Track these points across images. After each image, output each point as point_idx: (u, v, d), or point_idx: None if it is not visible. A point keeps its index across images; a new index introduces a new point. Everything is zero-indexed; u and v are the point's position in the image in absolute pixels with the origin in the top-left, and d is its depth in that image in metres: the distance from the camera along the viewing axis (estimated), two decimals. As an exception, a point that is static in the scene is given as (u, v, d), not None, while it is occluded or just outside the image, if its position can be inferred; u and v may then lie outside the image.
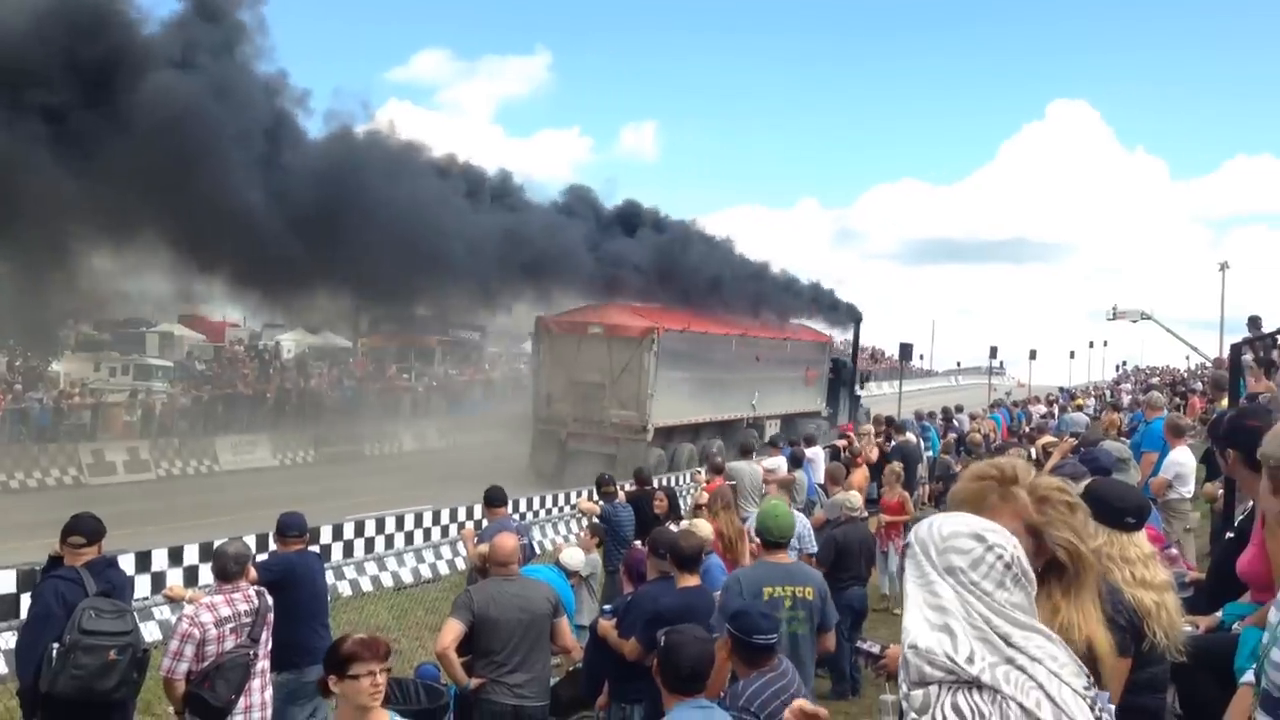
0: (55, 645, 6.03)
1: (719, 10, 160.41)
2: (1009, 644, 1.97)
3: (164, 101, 25.64)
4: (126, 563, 10.84)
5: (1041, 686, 1.93)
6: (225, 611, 6.32)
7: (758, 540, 6.84)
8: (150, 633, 10.38)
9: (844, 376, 38.51)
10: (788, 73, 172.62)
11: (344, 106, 44.88)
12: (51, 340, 38.24)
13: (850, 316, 42.55)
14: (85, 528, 6.57)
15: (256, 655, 6.41)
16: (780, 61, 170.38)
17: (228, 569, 6.53)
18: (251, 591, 6.54)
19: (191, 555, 13.02)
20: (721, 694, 5.10)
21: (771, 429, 30.05)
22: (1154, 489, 9.49)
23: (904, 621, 2.07)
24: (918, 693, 1.96)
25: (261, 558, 9.78)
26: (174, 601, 8.20)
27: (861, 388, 41.69)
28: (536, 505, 19.94)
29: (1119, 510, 4.02)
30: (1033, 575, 2.09)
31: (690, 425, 29.47)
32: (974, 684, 1.93)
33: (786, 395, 34.66)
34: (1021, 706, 1.91)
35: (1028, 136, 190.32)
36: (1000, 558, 2.04)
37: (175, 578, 12.56)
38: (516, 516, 15.21)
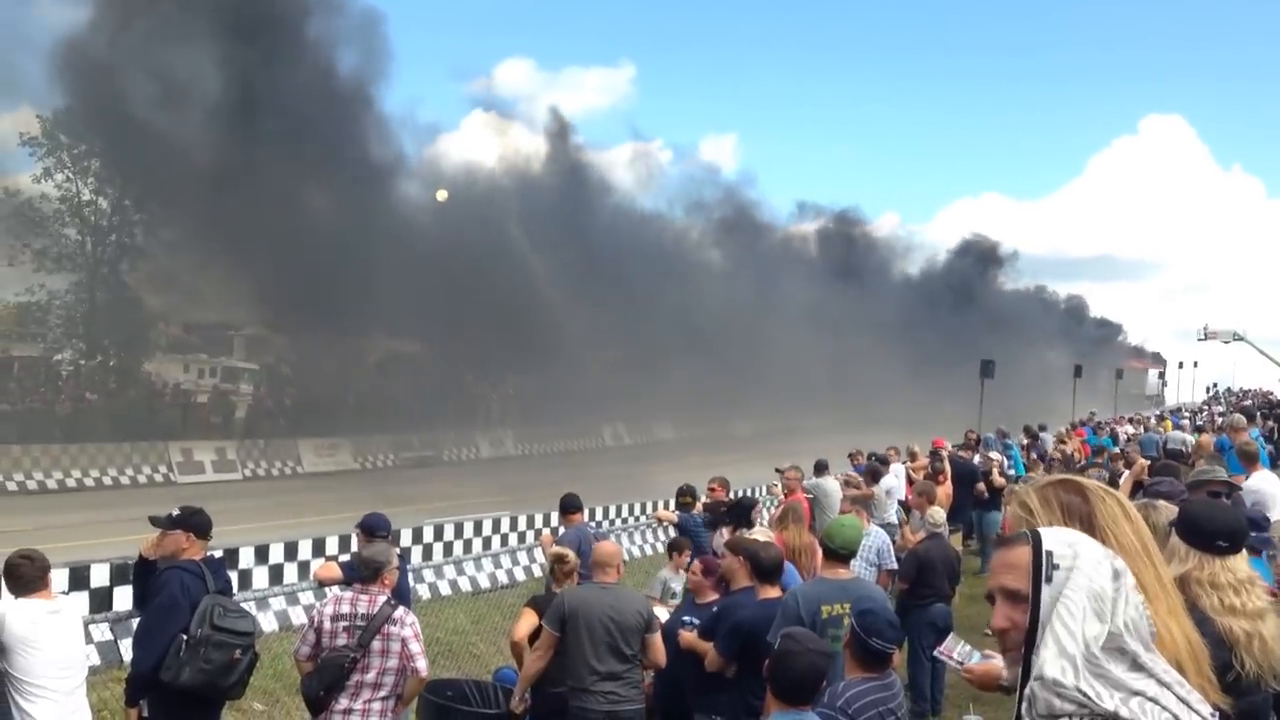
0: (184, 637, 6.12)
1: (801, 24, 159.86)
2: (1136, 664, 1.86)
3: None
4: (214, 559, 11.09)
5: (1177, 718, 1.83)
6: (345, 609, 6.31)
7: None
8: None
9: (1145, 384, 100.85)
10: (870, 86, 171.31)
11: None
12: (143, 341, 39.46)
13: (1160, 360, 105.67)
14: (204, 522, 6.64)
15: (358, 661, 6.22)
16: (862, 75, 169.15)
17: (360, 571, 6.57)
18: (380, 598, 6.37)
19: (277, 554, 13.28)
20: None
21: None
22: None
23: (1043, 652, 1.89)
24: None
25: (344, 558, 9.96)
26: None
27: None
28: (613, 514, 19.96)
29: (1209, 533, 3.81)
30: None
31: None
32: (1109, 718, 1.83)
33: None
34: None
35: (1118, 151, 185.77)
36: (1113, 561, 1.96)
37: (261, 576, 12.82)
38: (593, 524, 15.26)
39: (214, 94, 35.64)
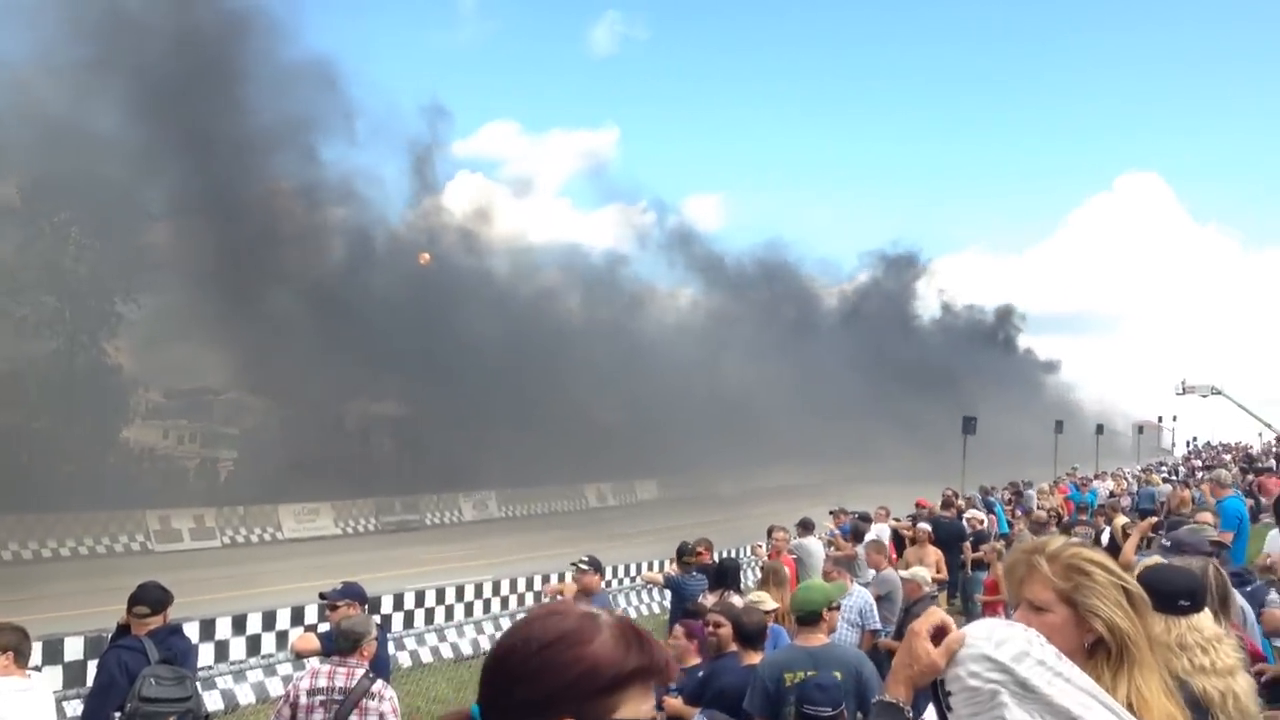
0: (117, 715, 6.11)
1: (784, 83, 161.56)
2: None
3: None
4: (190, 631, 10.91)
5: None
6: (322, 683, 6.23)
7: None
8: (213, 701, 10.43)
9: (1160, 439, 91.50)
10: (854, 144, 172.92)
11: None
12: (122, 408, 39.19)
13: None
14: (149, 598, 6.62)
15: None
16: (846, 132, 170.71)
17: (338, 643, 6.48)
18: (358, 671, 6.30)
19: (254, 624, 13.08)
20: None
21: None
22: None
23: None
24: None
25: (323, 628, 9.84)
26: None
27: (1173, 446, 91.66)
28: (609, 575, 19.58)
29: (1169, 594, 3.82)
30: None
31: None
32: None
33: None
34: None
35: (1095, 208, 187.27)
36: (1028, 630, 1.99)
37: (239, 647, 12.63)
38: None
39: (190, 160, 35.89)
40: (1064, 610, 2.36)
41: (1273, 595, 6.56)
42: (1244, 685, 3.62)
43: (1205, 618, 3.80)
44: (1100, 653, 2.34)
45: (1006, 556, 2.72)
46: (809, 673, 6.03)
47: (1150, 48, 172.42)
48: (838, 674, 6.19)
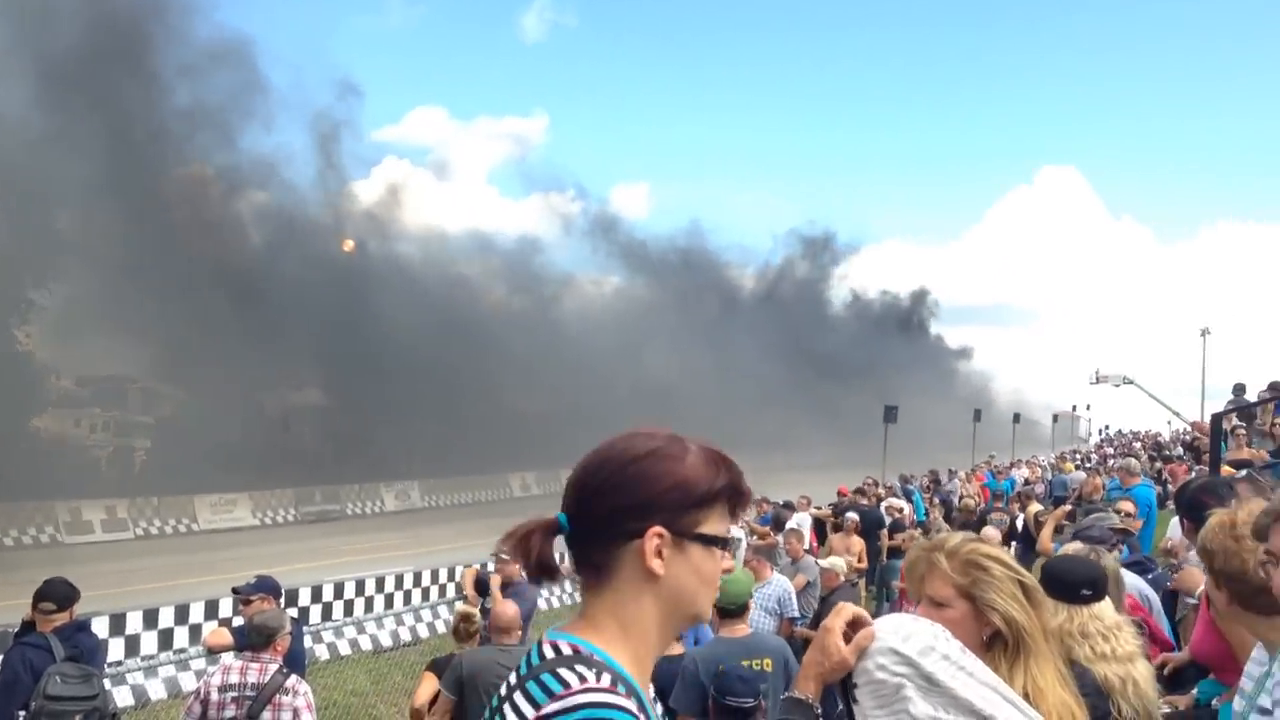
0: (22, 713, 6.01)
1: (714, 71, 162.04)
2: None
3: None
4: (100, 625, 10.68)
5: None
6: (234, 679, 6.12)
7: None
8: (123, 697, 10.21)
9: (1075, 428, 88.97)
10: (777, 135, 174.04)
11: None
12: (32, 396, 38.05)
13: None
14: (56, 594, 6.52)
15: None
16: (771, 122, 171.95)
17: (251, 638, 6.37)
18: (271, 666, 6.19)
19: (167, 618, 12.83)
20: None
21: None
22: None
23: None
24: None
25: (237, 622, 9.68)
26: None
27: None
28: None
29: (1072, 584, 3.91)
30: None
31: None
32: None
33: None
34: None
35: (1014, 201, 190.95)
36: (934, 624, 2.02)
37: (149, 641, 12.38)
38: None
39: (103, 143, 34.97)
40: (963, 605, 2.42)
41: (1191, 555, 6.78)
42: (1143, 671, 3.72)
43: (1106, 606, 3.90)
44: (998, 645, 2.40)
45: (907, 555, 2.77)
46: (744, 663, 6.07)
47: (1071, 41, 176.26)
48: (769, 663, 6.24)
